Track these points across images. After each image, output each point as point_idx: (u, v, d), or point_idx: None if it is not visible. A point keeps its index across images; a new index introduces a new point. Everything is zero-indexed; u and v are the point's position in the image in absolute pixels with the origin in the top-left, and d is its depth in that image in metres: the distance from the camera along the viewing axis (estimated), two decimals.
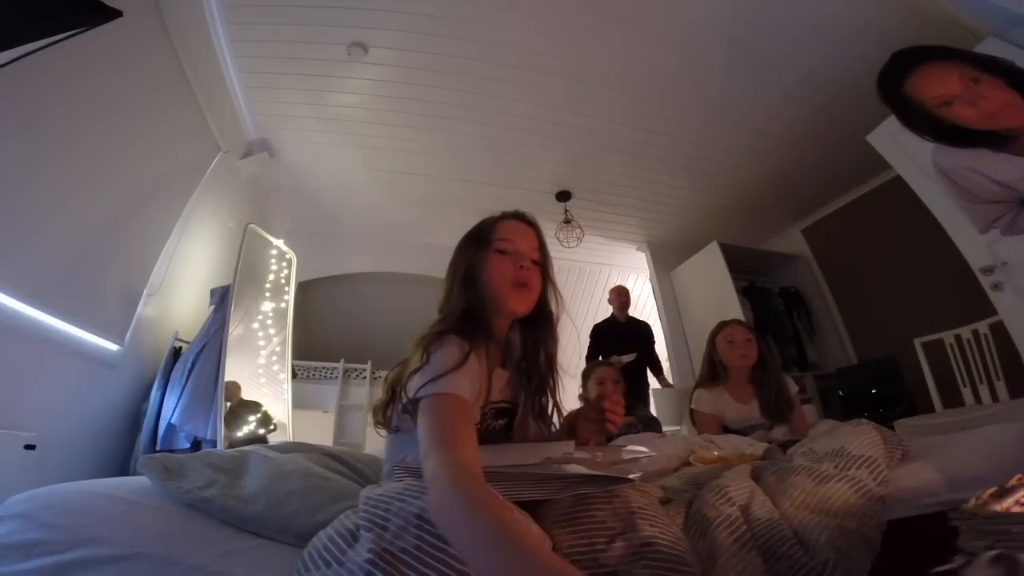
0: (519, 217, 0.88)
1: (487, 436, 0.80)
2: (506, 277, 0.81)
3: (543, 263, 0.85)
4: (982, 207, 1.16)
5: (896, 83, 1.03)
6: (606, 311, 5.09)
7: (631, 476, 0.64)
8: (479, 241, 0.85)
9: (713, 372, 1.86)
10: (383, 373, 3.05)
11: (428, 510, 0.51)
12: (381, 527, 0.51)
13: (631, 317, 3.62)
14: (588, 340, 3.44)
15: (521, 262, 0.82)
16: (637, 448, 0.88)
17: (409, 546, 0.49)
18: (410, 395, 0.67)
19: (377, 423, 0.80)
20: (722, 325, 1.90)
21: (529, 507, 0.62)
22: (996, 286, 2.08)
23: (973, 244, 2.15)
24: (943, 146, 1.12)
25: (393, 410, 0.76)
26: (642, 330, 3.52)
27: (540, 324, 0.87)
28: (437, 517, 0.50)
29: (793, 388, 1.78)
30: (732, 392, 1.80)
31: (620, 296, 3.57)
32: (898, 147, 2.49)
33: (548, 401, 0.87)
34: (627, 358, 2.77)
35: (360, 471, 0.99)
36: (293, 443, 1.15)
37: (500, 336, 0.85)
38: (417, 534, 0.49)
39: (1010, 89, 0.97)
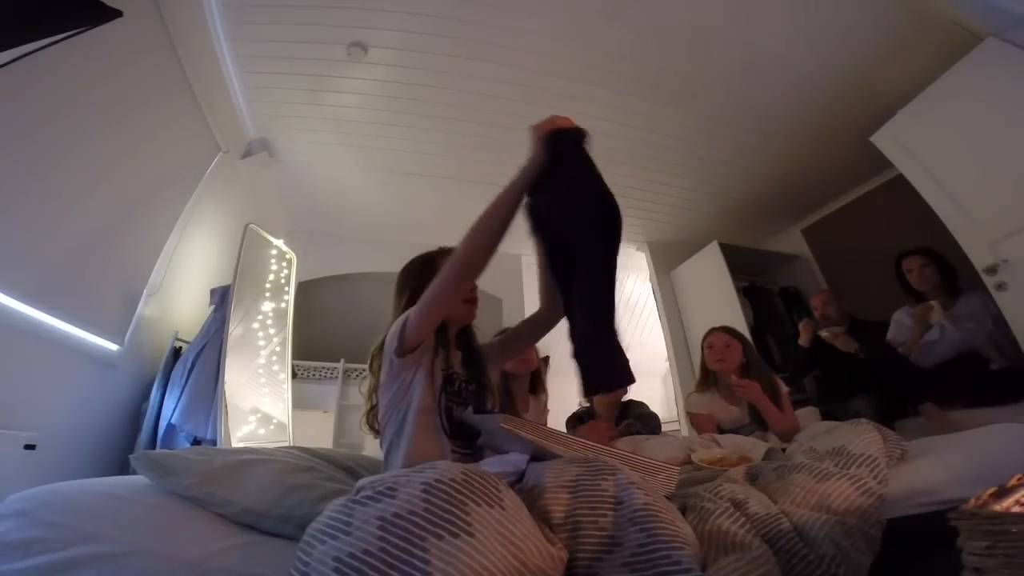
0: None
1: (463, 397, 1.01)
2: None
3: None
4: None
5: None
6: None
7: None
8: (432, 267, 1.09)
9: (705, 376, 1.94)
10: None
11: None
12: (390, 496, 0.55)
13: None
14: None
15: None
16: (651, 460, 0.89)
17: (418, 508, 0.53)
18: (398, 335, 0.92)
19: (372, 428, 1.00)
20: (709, 331, 1.98)
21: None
22: (1000, 286, 2.07)
23: (977, 244, 2.15)
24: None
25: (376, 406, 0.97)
26: None
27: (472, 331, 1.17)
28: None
29: (783, 389, 1.77)
30: (723, 395, 1.84)
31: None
32: (901, 147, 2.49)
33: (483, 377, 1.11)
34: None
35: (361, 476, 0.99)
36: (295, 447, 1.16)
37: (451, 336, 1.10)
38: (424, 497, 0.54)
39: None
